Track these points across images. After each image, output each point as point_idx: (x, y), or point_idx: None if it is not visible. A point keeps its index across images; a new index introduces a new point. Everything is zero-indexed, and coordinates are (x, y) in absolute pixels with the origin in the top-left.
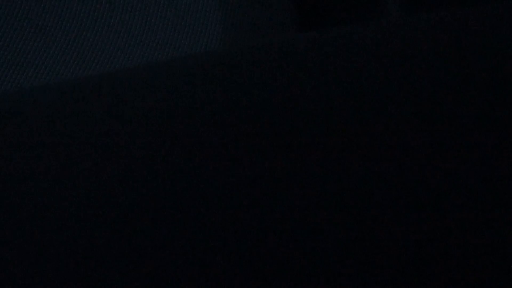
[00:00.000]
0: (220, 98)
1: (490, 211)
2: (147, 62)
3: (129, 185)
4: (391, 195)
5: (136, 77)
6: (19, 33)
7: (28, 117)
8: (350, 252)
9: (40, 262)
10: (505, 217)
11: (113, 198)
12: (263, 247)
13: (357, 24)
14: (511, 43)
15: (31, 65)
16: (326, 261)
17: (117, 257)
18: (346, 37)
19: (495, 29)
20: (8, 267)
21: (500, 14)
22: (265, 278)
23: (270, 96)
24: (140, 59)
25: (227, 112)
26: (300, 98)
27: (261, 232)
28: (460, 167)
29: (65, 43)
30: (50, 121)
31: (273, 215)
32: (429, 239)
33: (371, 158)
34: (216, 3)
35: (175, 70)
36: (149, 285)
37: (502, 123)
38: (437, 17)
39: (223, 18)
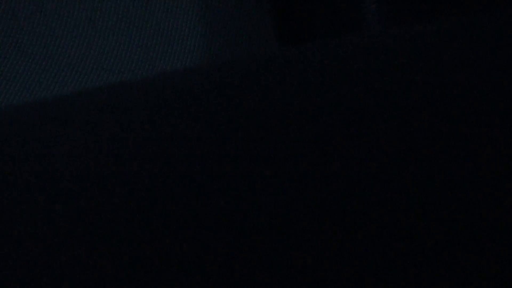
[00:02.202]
0: (201, 114)
1: (489, 212)
2: (127, 79)
3: (117, 199)
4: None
5: (116, 95)
6: None
7: (5, 136)
8: (346, 254)
9: (38, 264)
10: (505, 217)
11: (103, 210)
12: (258, 248)
13: (337, 38)
14: (491, 52)
15: (10, 83)
16: (323, 263)
17: (115, 258)
18: (327, 51)
19: (475, 41)
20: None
21: (481, 26)
22: (263, 279)
23: (252, 110)
24: (120, 76)
25: (208, 128)
26: (282, 111)
27: (257, 233)
28: (447, 178)
29: (44, 61)
30: (28, 141)
31: (265, 220)
32: (426, 242)
33: (355, 168)
34: (196, 19)
35: (156, 87)
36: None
37: (483, 131)
38: (416, 30)
39: (203, 34)
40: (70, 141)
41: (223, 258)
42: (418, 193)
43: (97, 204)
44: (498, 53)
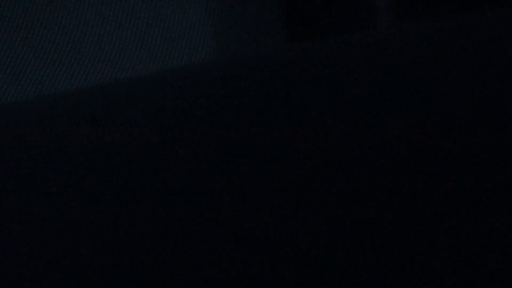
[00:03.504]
0: (211, 110)
1: (489, 213)
2: (137, 74)
3: (121, 195)
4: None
5: (126, 89)
6: (7, 46)
7: (17, 131)
8: (347, 256)
9: (38, 264)
10: (505, 218)
11: (107, 205)
12: (260, 251)
13: (347, 35)
14: (502, 50)
15: (20, 78)
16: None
17: (115, 261)
18: (338, 47)
19: (486, 37)
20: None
21: (490, 23)
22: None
23: (261, 107)
24: (129, 72)
25: (217, 124)
26: (292, 108)
27: (258, 236)
28: (444, 173)
29: (54, 56)
30: (38, 135)
31: (265, 222)
32: (427, 243)
33: (364, 165)
34: (206, 15)
35: (165, 82)
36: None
37: (493, 131)
38: (427, 27)
39: (213, 30)
40: (79, 136)
41: (224, 259)
42: (427, 194)
43: (102, 201)
44: (509, 49)
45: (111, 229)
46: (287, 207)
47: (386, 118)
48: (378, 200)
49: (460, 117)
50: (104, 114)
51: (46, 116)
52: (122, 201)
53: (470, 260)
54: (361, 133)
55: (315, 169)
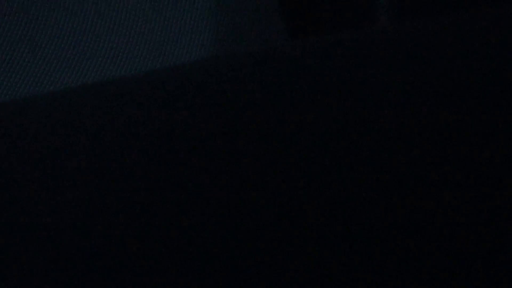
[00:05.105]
0: (212, 106)
1: (490, 213)
2: (137, 72)
3: (123, 192)
4: (384, 202)
5: (126, 87)
6: (7, 44)
7: (17, 128)
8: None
9: (38, 264)
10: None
11: (109, 204)
12: (259, 250)
13: (347, 31)
14: (499, 48)
15: (19, 76)
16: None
17: (115, 260)
18: (338, 44)
19: (483, 34)
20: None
21: (488, 20)
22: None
23: (262, 103)
24: (130, 69)
25: (219, 120)
26: (293, 104)
27: (259, 236)
28: (452, 173)
29: (54, 54)
30: (39, 132)
31: (269, 219)
32: (428, 241)
33: (365, 163)
34: (207, 12)
35: (166, 79)
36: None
37: (494, 126)
38: (426, 24)
39: (214, 27)
40: (77, 134)
41: (225, 255)
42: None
43: (105, 199)
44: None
45: (116, 226)
46: (288, 207)
47: (385, 114)
48: (380, 199)
49: (461, 114)
50: (105, 112)
51: (46, 114)
52: (122, 200)
53: (471, 260)
54: (360, 129)
55: (318, 166)
